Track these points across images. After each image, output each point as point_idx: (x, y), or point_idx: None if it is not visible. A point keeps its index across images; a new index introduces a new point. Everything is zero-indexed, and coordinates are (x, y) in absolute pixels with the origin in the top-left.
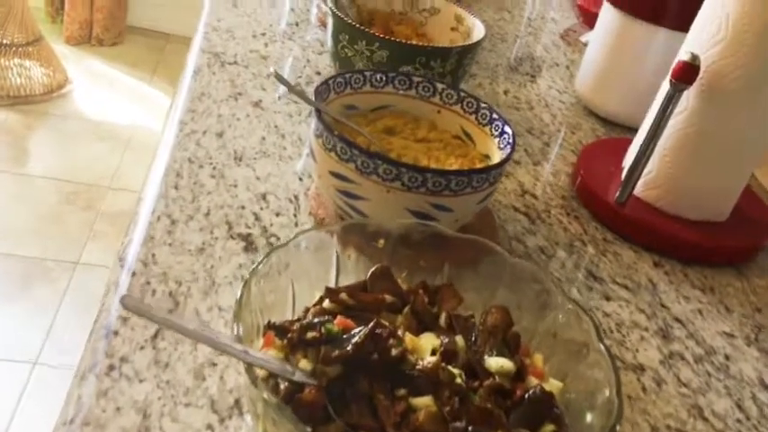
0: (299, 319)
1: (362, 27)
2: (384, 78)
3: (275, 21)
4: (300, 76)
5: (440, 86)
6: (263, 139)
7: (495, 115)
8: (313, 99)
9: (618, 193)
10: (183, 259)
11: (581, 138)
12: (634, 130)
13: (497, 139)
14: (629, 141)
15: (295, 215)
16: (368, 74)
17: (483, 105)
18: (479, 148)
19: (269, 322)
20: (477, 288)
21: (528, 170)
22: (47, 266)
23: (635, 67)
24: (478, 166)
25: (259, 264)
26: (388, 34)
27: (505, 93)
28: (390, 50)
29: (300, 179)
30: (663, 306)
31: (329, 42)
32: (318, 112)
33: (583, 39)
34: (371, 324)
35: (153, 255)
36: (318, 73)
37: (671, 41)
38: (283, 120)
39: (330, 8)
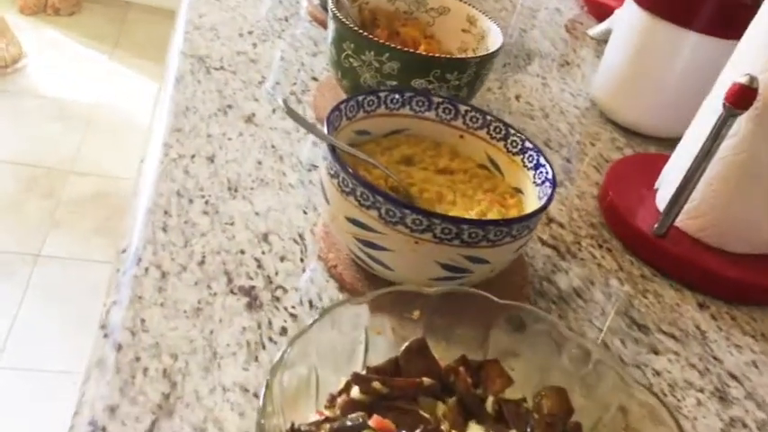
0: (327, 419)
1: (367, 33)
2: (401, 99)
3: (262, 16)
4: (295, 83)
5: (463, 108)
6: (260, 163)
7: (527, 144)
8: (324, 130)
9: (657, 226)
10: (177, 324)
11: (601, 150)
12: (657, 141)
13: (532, 172)
14: (660, 158)
15: (302, 259)
16: (383, 95)
17: (513, 132)
18: (509, 179)
19: (292, 426)
20: (524, 361)
21: None
22: (5, 260)
23: (660, 74)
24: (510, 201)
25: (281, 357)
26: (393, 37)
27: (517, 98)
28: (402, 62)
29: (305, 212)
30: (715, 359)
31: (330, 49)
32: (333, 148)
33: (591, 32)
34: (419, 431)
35: (142, 320)
36: (315, 78)
37: (701, 46)
38: (280, 138)
39: (332, 10)
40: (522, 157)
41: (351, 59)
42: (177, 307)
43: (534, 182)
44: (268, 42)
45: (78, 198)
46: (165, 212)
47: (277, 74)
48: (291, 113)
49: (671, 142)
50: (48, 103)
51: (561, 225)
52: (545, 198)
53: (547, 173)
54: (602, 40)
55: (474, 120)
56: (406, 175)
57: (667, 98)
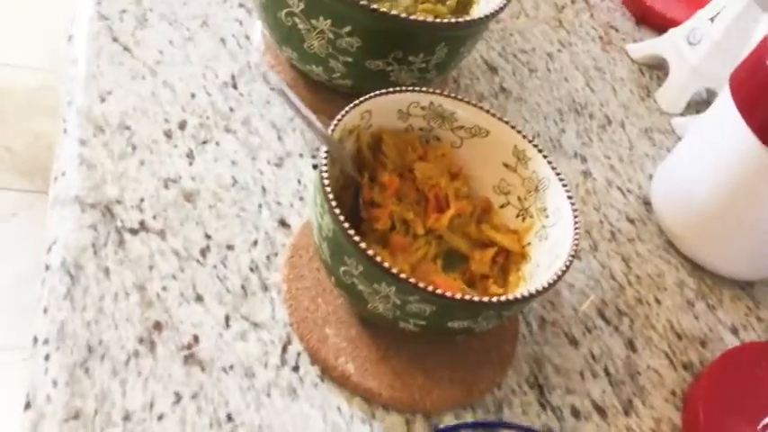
0: None
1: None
2: None
3: (196, 79)
4: (256, 242)
5: None
6: None
7: None
8: None
9: None
10: None
11: (669, 312)
12: (732, 282)
13: None
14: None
15: None
16: None
17: None
18: None
19: None
20: None
21: (618, 428)
22: None
23: (761, 215)
24: None
25: None
26: (404, 181)
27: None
28: (438, 306)
29: None
30: None
31: (319, 245)
32: None
33: (632, 52)
34: None
35: None
36: (284, 223)
37: None
38: (236, 400)
39: (321, 176)
40: None
41: (353, 279)
42: None
43: None
44: (210, 145)
45: None
46: None
47: (227, 223)
48: None
49: (749, 284)
50: None
51: None
52: None
53: None
54: (650, 65)
55: None
56: None
57: (763, 246)
